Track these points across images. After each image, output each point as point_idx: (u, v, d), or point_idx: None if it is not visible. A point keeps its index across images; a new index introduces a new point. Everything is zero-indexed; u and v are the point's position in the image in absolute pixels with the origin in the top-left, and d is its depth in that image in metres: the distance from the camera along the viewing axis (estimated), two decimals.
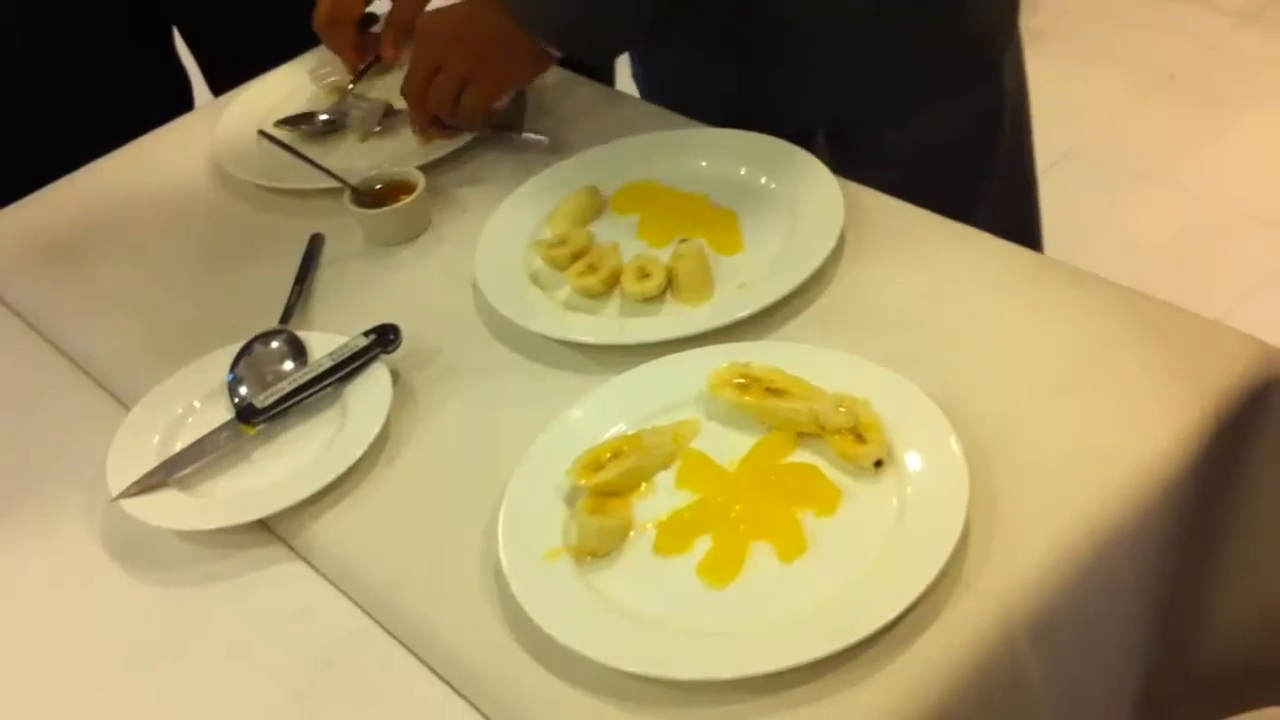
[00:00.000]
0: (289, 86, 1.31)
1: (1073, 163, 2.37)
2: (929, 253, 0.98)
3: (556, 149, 1.15)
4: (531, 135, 1.17)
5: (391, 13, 1.23)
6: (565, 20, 1.08)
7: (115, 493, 0.91)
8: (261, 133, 1.23)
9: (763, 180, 1.06)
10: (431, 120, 1.16)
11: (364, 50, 1.27)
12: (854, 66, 1.15)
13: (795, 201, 1.03)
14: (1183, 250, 2.16)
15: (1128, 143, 2.45)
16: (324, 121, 1.25)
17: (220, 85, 1.53)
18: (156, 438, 0.95)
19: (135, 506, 0.90)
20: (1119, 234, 2.20)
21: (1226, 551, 0.88)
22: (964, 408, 0.84)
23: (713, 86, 1.21)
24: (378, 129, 1.23)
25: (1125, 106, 2.54)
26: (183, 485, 0.92)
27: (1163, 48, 2.67)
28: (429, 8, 1.20)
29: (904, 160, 1.18)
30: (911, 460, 0.82)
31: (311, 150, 1.20)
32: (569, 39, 1.10)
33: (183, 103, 1.57)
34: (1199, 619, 0.89)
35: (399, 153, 1.19)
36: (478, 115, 1.14)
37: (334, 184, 1.15)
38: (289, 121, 1.25)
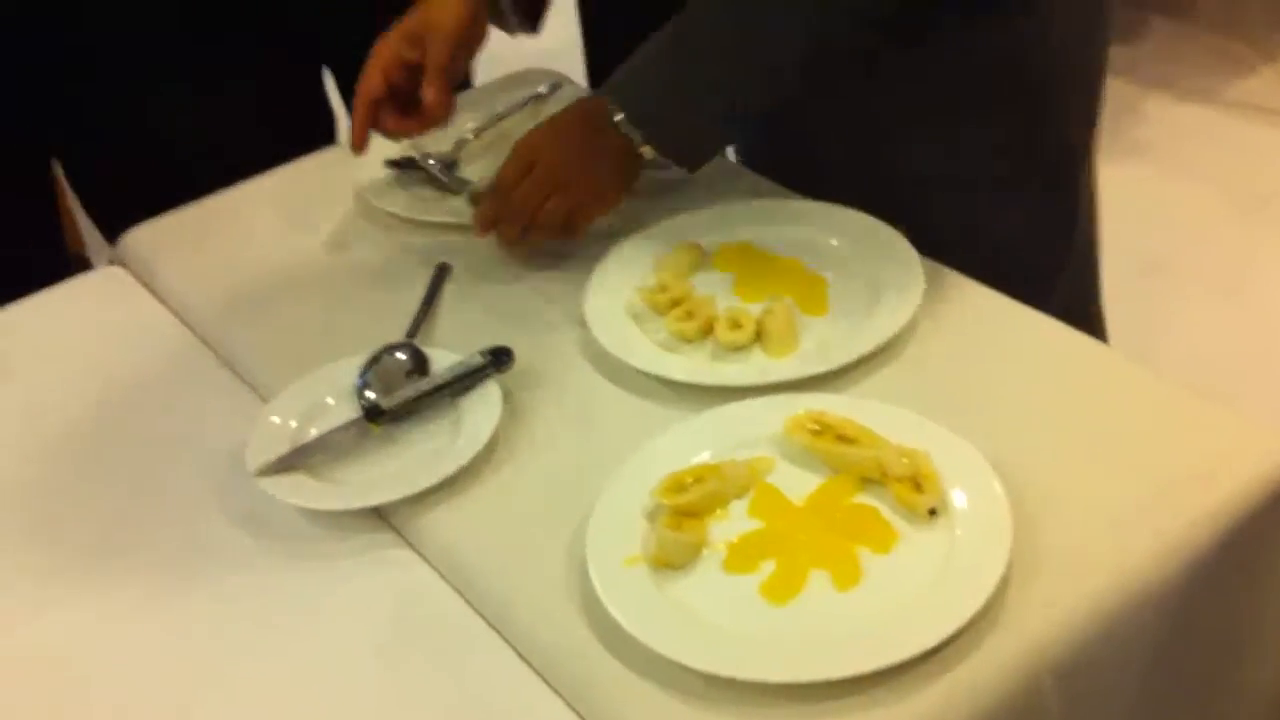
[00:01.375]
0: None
1: (1161, 273, 2.43)
2: (997, 331, 1.08)
3: (666, 206, 1.26)
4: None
5: (428, 57, 1.23)
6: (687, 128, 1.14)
7: (253, 471, 1.02)
8: (392, 163, 1.35)
9: (851, 252, 1.16)
10: (521, 231, 1.20)
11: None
12: (963, 208, 1.24)
13: (880, 274, 1.12)
14: (1257, 367, 2.21)
15: (1217, 259, 2.50)
16: (435, 166, 1.36)
17: None
18: (293, 423, 1.06)
19: (269, 484, 1.01)
20: (1196, 345, 2.26)
21: (1258, 620, 0.95)
22: (1013, 468, 0.93)
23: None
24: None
25: (1218, 223, 2.59)
26: (311, 470, 1.03)
27: (1262, 170, 2.72)
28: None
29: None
30: (962, 510, 0.91)
31: (425, 192, 1.33)
32: (687, 148, 1.16)
33: (329, 137, 1.71)
34: (1226, 686, 0.96)
35: None
36: (579, 232, 1.20)
37: (464, 219, 1.27)
38: (398, 164, 1.36)
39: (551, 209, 1.17)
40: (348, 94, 1.79)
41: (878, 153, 1.25)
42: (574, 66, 1.83)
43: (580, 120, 1.18)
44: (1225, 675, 0.95)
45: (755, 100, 1.15)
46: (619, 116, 1.13)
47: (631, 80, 1.15)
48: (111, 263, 1.38)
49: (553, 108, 1.43)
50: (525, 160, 1.18)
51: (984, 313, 1.10)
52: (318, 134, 1.65)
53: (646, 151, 1.15)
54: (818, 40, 1.10)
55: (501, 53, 1.38)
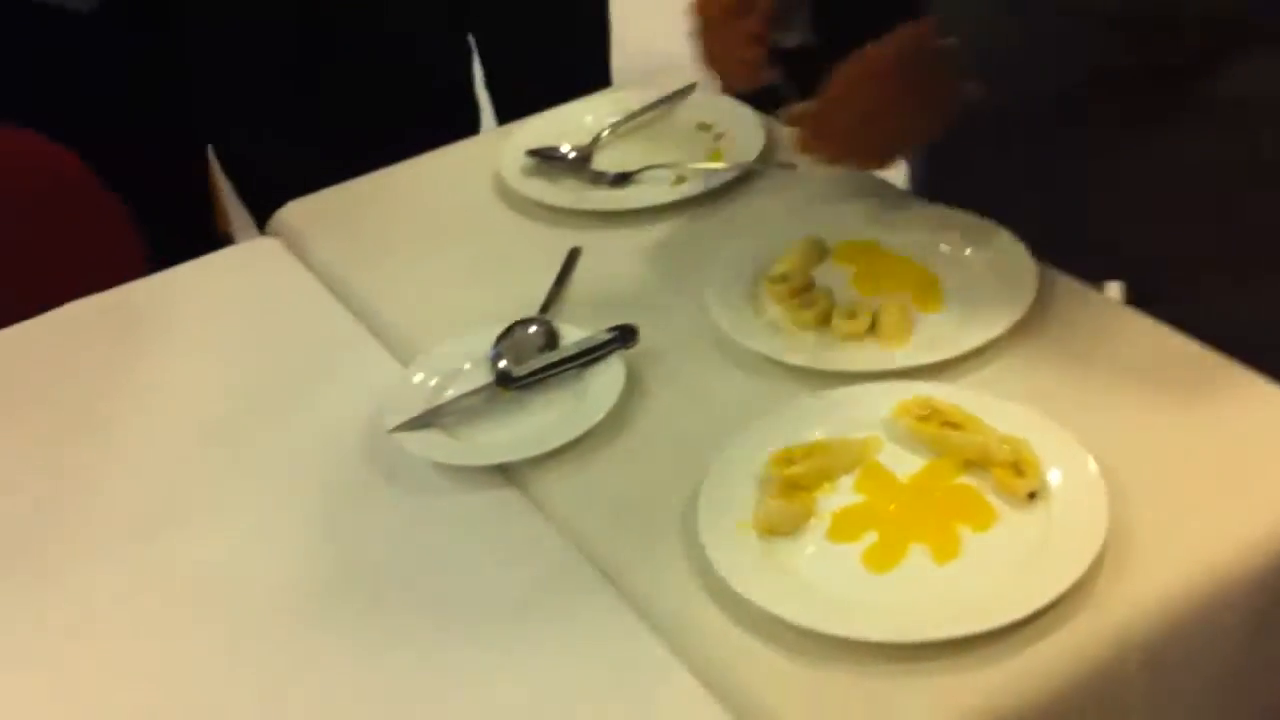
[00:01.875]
0: (574, 121, 1.50)
1: None
2: (1106, 333, 1.11)
3: (792, 204, 1.32)
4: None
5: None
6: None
7: (389, 427, 1.10)
8: (533, 152, 1.43)
9: (968, 252, 1.20)
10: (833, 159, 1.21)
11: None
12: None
13: (994, 274, 1.16)
14: None
15: None
16: (572, 159, 1.42)
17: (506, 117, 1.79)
18: (432, 383, 1.14)
19: (406, 440, 1.09)
20: None
21: None
22: (1110, 459, 0.96)
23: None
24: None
25: None
26: (445, 429, 1.10)
27: None
28: None
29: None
30: (1060, 495, 0.95)
31: (562, 180, 1.40)
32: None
33: (474, 127, 1.81)
34: None
35: (642, 194, 1.37)
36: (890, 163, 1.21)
37: (596, 207, 1.35)
38: (538, 153, 1.43)
39: (864, 140, 1.18)
40: (492, 87, 1.90)
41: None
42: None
43: (897, 48, 1.15)
44: None
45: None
46: (949, 41, 1.09)
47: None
48: (264, 234, 1.47)
49: (681, 108, 1.50)
50: (841, 87, 1.17)
51: (1094, 315, 1.13)
52: (462, 123, 1.73)
53: (968, 87, 1.10)
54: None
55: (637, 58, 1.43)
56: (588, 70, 1.98)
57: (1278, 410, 1.01)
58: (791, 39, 1.23)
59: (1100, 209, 1.20)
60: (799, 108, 1.22)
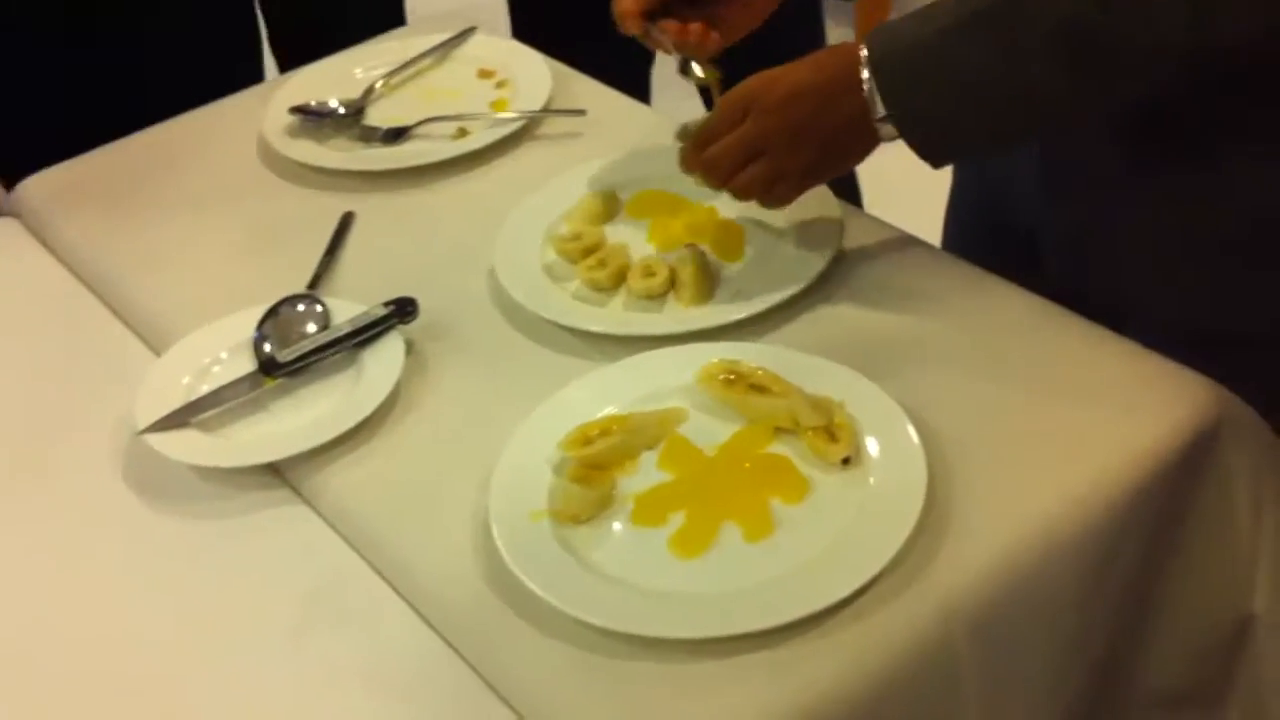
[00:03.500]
0: (342, 73, 1.38)
1: None
2: (918, 278, 1.05)
3: (582, 155, 1.22)
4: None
5: None
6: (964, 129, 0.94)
7: (140, 427, 0.98)
8: (297, 109, 1.31)
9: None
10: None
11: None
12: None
13: (798, 219, 1.10)
14: None
15: None
16: (341, 115, 1.31)
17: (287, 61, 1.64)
18: (185, 380, 1.02)
19: (159, 441, 0.97)
20: None
21: (1167, 579, 0.94)
22: (930, 418, 0.91)
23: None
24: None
25: None
26: (204, 427, 0.99)
27: None
28: None
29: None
30: (877, 460, 0.88)
31: (331, 139, 1.29)
32: (955, 146, 0.98)
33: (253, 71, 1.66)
34: (1135, 642, 0.95)
35: (420, 150, 1.27)
36: (781, 204, 1.04)
37: (370, 167, 1.23)
38: (303, 110, 1.31)
39: (752, 176, 1.00)
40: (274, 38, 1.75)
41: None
42: (498, 18, 1.78)
43: (812, 71, 0.98)
44: (1140, 627, 0.94)
45: (1053, 115, 0.95)
46: (867, 76, 0.94)
47: (898, 39, 0.94)
48: (3, 214, 1.32)
49: (460, 55, 1.39)
50: (738, 109, 1.00)
51: (905, 258, 1.07)
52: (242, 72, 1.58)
53: (884, 130, 0.95)
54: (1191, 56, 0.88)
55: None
56: (380, 9, 1.82)
57: (1105, 358, 0.96)
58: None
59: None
60: (691, 124, 1.06)
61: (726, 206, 1.13)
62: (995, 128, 0.95)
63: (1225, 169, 0.97)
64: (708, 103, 1.07)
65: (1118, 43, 0.87)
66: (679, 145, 1.05)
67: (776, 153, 0.99)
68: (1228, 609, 0.95)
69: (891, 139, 0.95)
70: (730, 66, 1.05)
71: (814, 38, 1.78)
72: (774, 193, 1.02)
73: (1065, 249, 1.11)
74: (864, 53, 0.94)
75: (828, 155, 1.00)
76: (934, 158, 0.96)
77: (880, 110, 0.94)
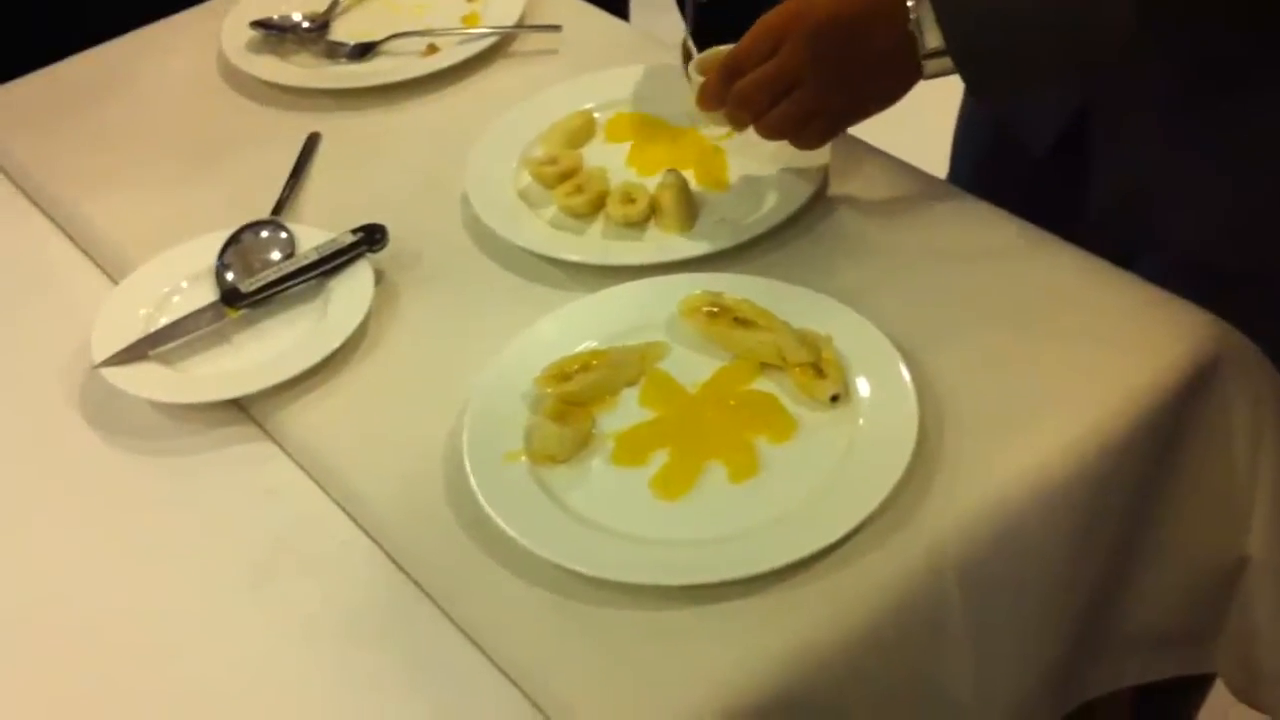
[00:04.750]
0: None
1: None
2: (909, 206, 1.01)
3: (558, 73, 1.17)
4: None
5: None
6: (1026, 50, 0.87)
7: (96, 361, 0.94)
8: (259, 23, 1.25)
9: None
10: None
11: None
12: None
13: (784, 145, 1.05)
14: None
15: None
16: (306, 29, 1.25)
17: None
18: (142, 311, 0.97)
19: (116, 375, 0.93)
20: None
21: (1161, 522, 0.91)
22: (921, 355, 0.87)
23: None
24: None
25: None
26: (164, 360, 0.95)
27: None
28: None
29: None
30: (866, 398, 0.85)
31: (295, 55, 1.23)
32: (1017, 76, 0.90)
33: None
34: (1126, 585, 0.92)
35: (388, 67, 1.21)
36: (813, 145, 0.97)
37: (335, 85, 1.18)
38: (265, 25, 1.25)
39: (785, 113, 0.93)
40: None
41: None
42: None
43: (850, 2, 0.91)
44: (1132, 569, 0.91)
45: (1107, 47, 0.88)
46: (913, 4, 0.88)
47: None
48: None
49: None
50: (770, 39, 0.92)
51: (896, 185, 1.03)
52: None
53: (930, 65, 0.89)
54: None
55: None
56: None
57: (1103, 293, 0.92)
58: None
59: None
60: (711, 54, 0.99)
61: (709, 129, 1.08)
62: (1059, 61, 0.88)
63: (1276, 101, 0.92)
64: (684, 15, 1.02)
65: None
66: (694, 78, 0.98)
67: (812, 87, 0.91)
68: (1222, 552, 0.92)
69: (936, 75, 0.89)
70: None
71: None
72: (808, 132, 0.95)
73: (1090, 179, 1.07)
74: None
75: (867, 90, 0.93)
76: (988, 93, 0.90)
77: (929, 43, 0.87)
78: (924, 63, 0.89)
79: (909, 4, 0.88)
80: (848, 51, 0.91)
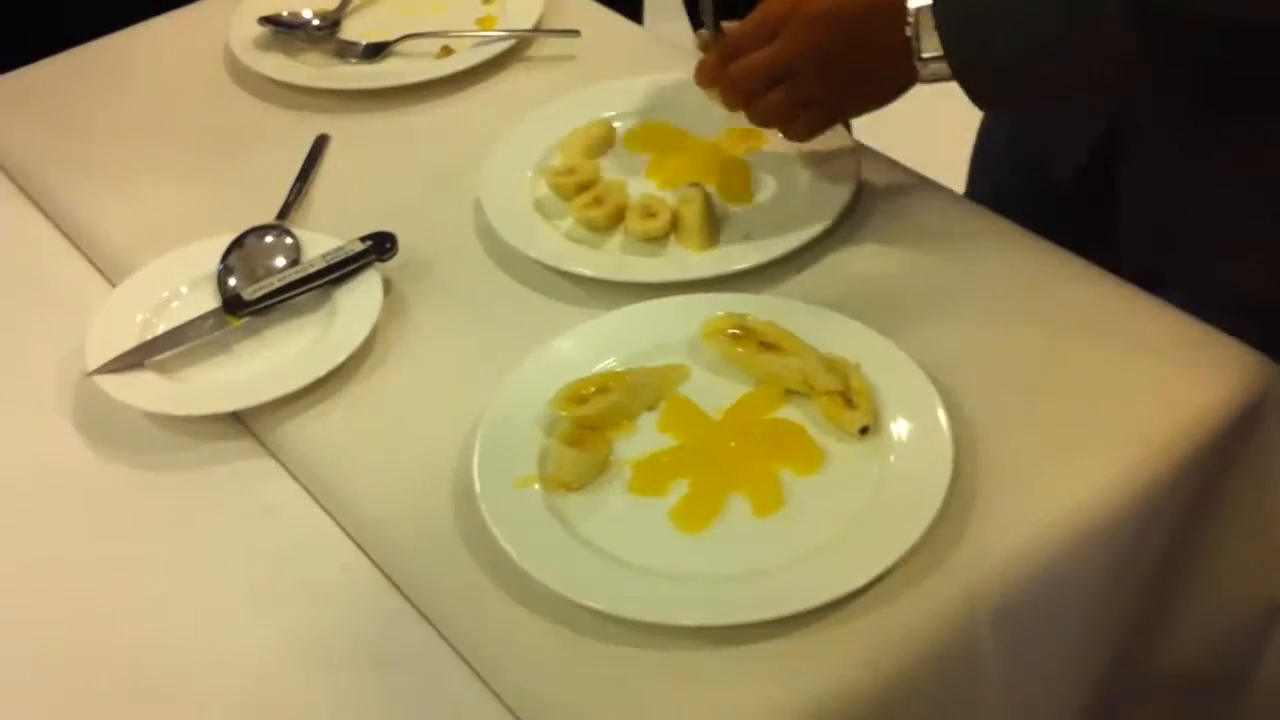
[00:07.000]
0: None
1: None
2: (943, 230, 0.97)
3: (577, 79, 1.14)
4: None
5: None
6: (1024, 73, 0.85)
7: (90, 368, 0.90)
8: (268, 20, 1.21)
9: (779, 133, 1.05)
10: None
11: None
12: None
13: (810, 159, 1.01)
14: None
15: None
16: (316, 27, 1.22)
17: None
18: (140, 317, 0.94)
19: (110, 384, 0.89)
20: None
21: (1200, 563, 0.88)
22: (955, 387, 0.84)
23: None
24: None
25: None
26: (160, 369, 0.91)
27: None
28: None
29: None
30: (897, 431, 0.81)
31: (305, 53, 1.20)
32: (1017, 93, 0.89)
33: None
34: (1163, 627, 0.89)
35: (400, 69, 1.18)
36: (803, 138, 0.96)
37: (346, 85, 1.15)
38: (275, 21, 1.22)
39: (776, 101, 0.92)
40: None
41: None
42: None
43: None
44: (1167, 612, 0.88)
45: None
46: (914, 9, 0.86)
47: None
48: None
49: None
50: (767, 25, 0.91)
51: (929, 205, 0.99)
52: None
53: (927, 70, 0.87)
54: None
55: None
56: None
57: (1144, 324, 0.89)
58: None
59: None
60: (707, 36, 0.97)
61: (735, 144, 1.04)
62: (1060, 77, 0.85)
63: None
64: (691, 20, 0.99)
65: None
66: (698, 46, 0.97)
67: (806, 78, 0.91)
68: (1259, 596, 0.89)
69: (932, 80, 0.87)
70: None
71: None
72: (797, 123, 0.93)
73: (1118, 210, 1.03)
74: None
75: (861, 87, 0.92)
76: (987, 103, 0.89)
77: (927, 49, 0.85)
78: (921, 67, 0.87)
79: (910, 7, 0.86)
80: (845, 46, 0.90)
